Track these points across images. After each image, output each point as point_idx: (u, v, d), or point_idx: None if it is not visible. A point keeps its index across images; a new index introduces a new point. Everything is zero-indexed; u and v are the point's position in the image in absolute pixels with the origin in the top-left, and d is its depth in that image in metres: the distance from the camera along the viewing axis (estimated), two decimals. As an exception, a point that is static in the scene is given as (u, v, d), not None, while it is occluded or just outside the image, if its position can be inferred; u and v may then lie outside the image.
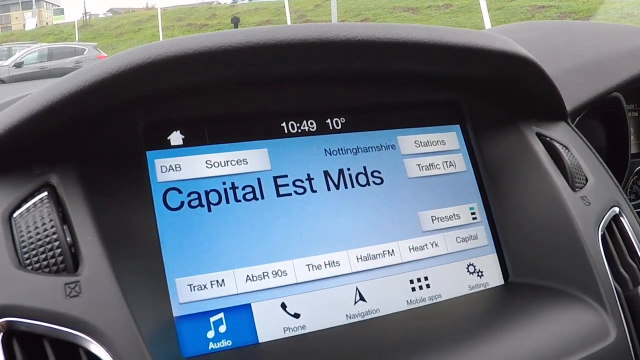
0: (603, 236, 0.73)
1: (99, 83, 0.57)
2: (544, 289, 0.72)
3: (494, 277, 0.77)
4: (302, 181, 0.71)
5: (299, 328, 0.66)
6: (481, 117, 0.83)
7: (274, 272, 0.66)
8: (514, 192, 0.78)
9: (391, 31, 0.66)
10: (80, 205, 0.58)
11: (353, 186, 0.73)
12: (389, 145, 0.77)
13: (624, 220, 0.77)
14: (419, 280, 0.73)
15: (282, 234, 0.68)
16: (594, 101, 0.97)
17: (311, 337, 0.66)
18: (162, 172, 0.66)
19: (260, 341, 0.64)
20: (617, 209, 0.77)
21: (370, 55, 0.68)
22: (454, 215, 0.77)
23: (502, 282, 0.77)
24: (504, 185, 0.79)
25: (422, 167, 0.78)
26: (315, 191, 0.71)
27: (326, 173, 0.72)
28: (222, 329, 0.63)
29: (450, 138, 0.81)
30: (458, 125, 0.83)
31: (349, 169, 0.74)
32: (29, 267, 0.53)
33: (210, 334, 0.63)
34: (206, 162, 0.68)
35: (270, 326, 0.65)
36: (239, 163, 0.69)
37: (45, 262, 0.54)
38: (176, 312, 0.62)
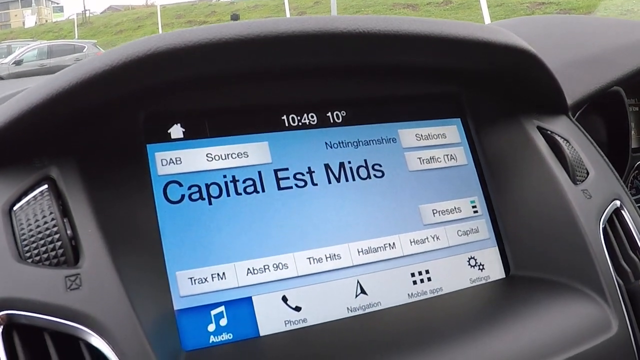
0: (604, 229, 0.73)
1: (99, 75, 0.57)
2: (545, 282, 0.72)
3: (495, 270, 0.77)
4: (303, 174, 0.71)
5: (300, 321, 0.66)
6: (482, 111, 0.83)
7: (275, 265, 0.66)
8: (515, 186, 0.78)
9: (392, 23, 0.65)
10: (81, 198, 0.58)
11: (354, 179, 0.73)
12: (389, 139, 0.77)
13: (625, 214, 0.77)
14: (420, 273, 0.72)
15: (283, 227, 0.68)
16: (595, 95, 0.97)
17: (312, 330, 0.66)
18: (162, 165, 0.66)
19: (261, 334, 0.64)
20: (618, 202, 0.77)
21: (371, 47, 0.68)
22: (455, 208, 0.77)
23: (504, 276, 0.77)
24: (505, 178, 0.79)
25: (423, 160, 0.78)
26: (316, 184, 0.71)
27: (327, 166, 0.72)
28: (223, 322, 0.63)
29: (451, 131, 0.81)
30: (459, 119, 0.83)
31: (349, 162, 0.73)
32: (29, 260, 0.53)
33: (211, 327, 0.63)
34: (207, 155, 0.68)
35: (271, 319, 0.65)
36: (240, 156, 0.69)
37: (45, 255, 0.54)
38: (177, 305, 0.62)
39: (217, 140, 0.69)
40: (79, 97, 0.58)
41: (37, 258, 0.53)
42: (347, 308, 0.68)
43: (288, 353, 0.62)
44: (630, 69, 1.03)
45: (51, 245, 0.54)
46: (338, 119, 0.75)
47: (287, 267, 0.67)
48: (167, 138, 0.67)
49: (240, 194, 0.68)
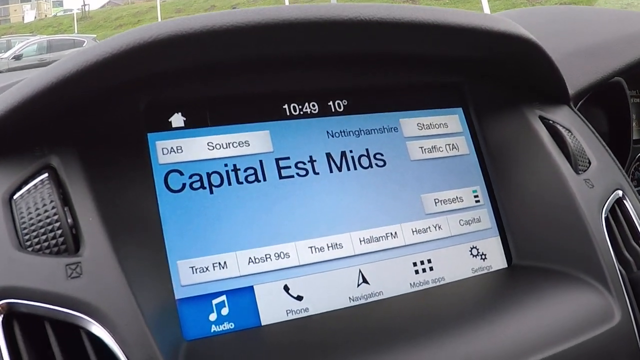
0: (607, 219, 0.73)
1: (100, 63, 0.56)
2: (547, 272, 0.72)
3: (497, 260, 0.76)
4: (304, 163, 0.71)
5: (302, 310, 0.66)
6: (484, 100, 0.82)
7: (277, 254, 0.66)
8: (517, 175, 0.78)
9: (394, 11, 0.65)
10: (81, 187, 0.57)
11: (355, 168, 0.73)
12: (391, 128, 0.77)
13: (627, 204, 0.76)
14: (422, 263, 0.72)
15: (285, 216, 0.68)
16: (596, 85, 0.96)
17: (314, 319, 0.65)
18: (163, 154, 0.66)
19: (263, 324, 0.64)
20: (620, 192, 0.77)
21: (372, 35, 0.67)
22: (457, 198, 0.77)
23: (506, 265, 0.77)
24: (507, 168, 0.79)
25: (424, 149, 0.77)
26: (318, 173, 0.71)
27: (328, 155, 0.72)
28: (225, 311, 0.63)
29: (452, 121, 0.81)
30: (460, 108, 0.82)
31: (351, 151, 0.73)
32: (30, 249, 0.53)
33: (213, 317, 0.63)
34: (208, 144, 0.68)
35: (273, 309, 0.65)
36: (241, 145, 0.69)
37: (46, 244, 0.53)
38: (178, 294, 0.62)
39: (218, 129, 0.69)
40: (79, 84, 0.57)
41: (38, 247, 0.53)
42: (349, 297, 0.68)
43: (290, 342, 0.62)
44: (631, 59, 1.03)
45: (52, 234, 0.53)
46: (339, 108, 0.75)
47: (289, 256, 0.67)
48: (168, 127, 0.67)
49: (242, 183, 0.67)
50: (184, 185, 0.65)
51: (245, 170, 0.68)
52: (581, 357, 0.62)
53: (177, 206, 0.64)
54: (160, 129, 0.67)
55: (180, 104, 0.68)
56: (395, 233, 0.72)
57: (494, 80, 0.82)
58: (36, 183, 0.56)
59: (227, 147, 0.68)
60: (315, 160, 0.71)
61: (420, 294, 0.71)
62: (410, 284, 0.71)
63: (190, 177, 0.66)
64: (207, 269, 0.63)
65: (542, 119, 0.80)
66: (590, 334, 0.63)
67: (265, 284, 0.65)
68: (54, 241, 0.53)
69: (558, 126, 0.79)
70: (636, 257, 0.72)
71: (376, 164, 0.74)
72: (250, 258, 0.65)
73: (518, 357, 0.59)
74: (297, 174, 0.70)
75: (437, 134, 0.79)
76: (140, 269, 0.58)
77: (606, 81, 0.99)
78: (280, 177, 0.69)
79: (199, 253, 0.64)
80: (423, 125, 0.79)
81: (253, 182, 0.68)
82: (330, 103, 0.75)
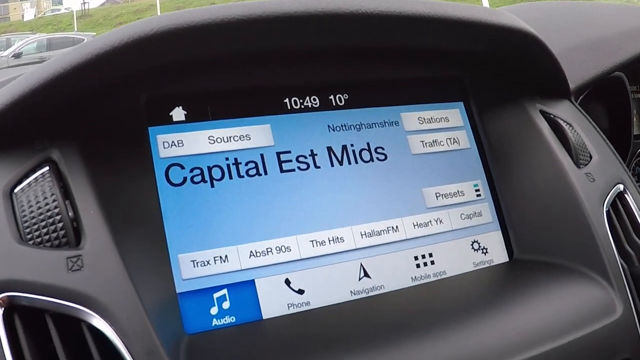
0: (608, 213, 0.73)
1: (100, 56, 0.56)
2: (549, 265, 0.72)
3: (498, 254, 0.76)
4: (305, 157, 0.71)
5: (303, 304, 0.66)
6: (485, 94, 0.82)
7: (278, 248, 0.66)
8: (518, 169, 0.78)
9: (395, 4, 0.65)
10: (82, 181, 0.57)
11: (357, 162, 0.73)
12: (392, 122, 0.76)
13: (628, 198, 0.76)
14: (423, 257, 0.72)
15: (286, 210, 0.68)
16: (597, 79, 0.96)
17: (315, 313, 0.65)
18: (164, 147, 0.66)
19: (264, 317, 0.64)
20: (621, 186, 0.76)
21: (373, 28, 0.67)
22: (458, 192, 0.77)
23: (507, 259, 0.77)
24: (508, 162, 0.79)
25: (425, 143, 0.77)
26: (319, 167, 0.71)
27: (329, 149, 0.72)
28: (226, 305, 0.63)
29: (453, 115, 0.81)
30: (461, 102, 0.82)
31: (352, 145, 0.73)
32: (31, 242, 0.53)
33: (214, 311, 0.63)
34: (209, 137, 0.68)
35: (274, 302, 0.65)
36: (242, 139, 0.69)
37: (47, 237, 0.53)
38: (179, 288, 0.62)
39: (219, 123, 0.69)
40: (79, 78, 0.57)
41: (39, 240, 0.53)
42: (351, 291, 0.68)
43: (291, 336, 0.62)
44: (632, 54, 1.03)
45: (52, 227, 0.53)
46: (340, 102, 0.75)
47: (290, 250, 0.67)
48: (168, 120, 0.67)
49: (243, 176, 0.67)
50: (185, 179, 0.65)
51: (246, 164, 0.68)
52: (583, 351, 0.62)
53: (178, 200, 0.64)
54: (161, 123, 0.66)
55: (181, 98, 0.68)
56: (397, 227, 0.72)
57: (495, 74, 0.82)
58: (37, 176, 0.56)
59: (228, 141, 0.68)
60: (316, 154, 0.71)
61: (421, 288, 0.70)
62: (412, 278, 0.71)
63: (191, 170, 0.66)
64: (208, 262, 0.63)
65: (543, 113, 0.80)
66: (591, 327, 0.63)
67: (267, 277, 0.65)
68: (54, 234, 0.53)
69: (559, 120, 0.79)
70: (637, 251, 0.72)
71: (377, 158, 0.74)
72: (251, 252, 0.65)
73: (520, 351, 0.59)
74: (298, 167, 0.70)
75: (438, 128, 0.79)
76: (141, 263, 0.58)
77: (607, 76, 0.99)
78: (281, 170, 0.69)
79: (200, 247, 0.64)
80: (424, 119, 0.79)
81: (254, 175, 0.68)
82: (331, 97, 0.75)
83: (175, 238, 0.63)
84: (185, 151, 0.66)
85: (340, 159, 0.72)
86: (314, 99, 0.74)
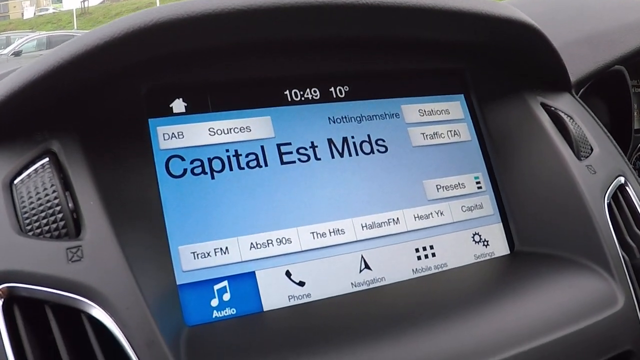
0: (609, 205, 0.72)
1: (100, 47, 0.56)
2: (550, 257, 0.72)
3: (499, 246, 0.76)
4: (306, 149, 0.70)
5: (304, 296, 0.65)
6: (485, 87, 0.82)
7: (278, 240, 0.66)
8: (519, 162, 0.77)
9: (395, -5, 0.65)
10: (82, 172, 0.57)
11: (357, 154, 0.72)
12: (393, 114, 0.76)
13: (629, 190, 0.76)
14: (424, 249, 0.72)
15: (286, 202, 0.68)
16: (598, 73, 0.96)
17: (316, 305, 0.65)
18: (164, 139, 0.65)
19: (264, 309, 0.64)
20: (622, 179, 0.76)
21: (374, 19, 0.67)
22: (459, 184, 0.77)
23: (508, 251, 0.76)
24: (509, 154, 0.79)
25: (426, 135, 0.77)
26: (320, 159, 0.71)
27: (330, 141, 0.72)
28: (226, 297, 0.63)
29: (454, 107, 0.81)
30: (462, 95, 0.82)
31: (353, 137, 0.73)
32: (30, 233, 0.53)
33: (214, 302, 0.62)
34: (209, 129, 0.67)
35: (274, 294, 0.65)
36: (242, 130, 0.69)
37: (46, 228, 0.53)
38: (180, 280, 0.62)
39: (219, 115, 0.68)
40: (79, 69, 0.57)
41: (38, 231, 0.53)
42: (351, 283, 0.68)
43: (292, 328, 0.62)
44: (632, 47, 1.02)
45: (52, 218, 0.53)
46: (341, 94, 0.75)
47: (291, 241, 0.66)
48: (169, 112, 0.67)
49: (243, 168, 0.67)
50: (185, 170, 0.65)
51: (246, 156, 0.68)
52: (584, 342, 0.62)
53: (179, 191, 0.64)
54: (161, 115, 0.66)
55: (182, 90, 0.68)
56: (398, 219, 0.72)
57: (496, 66, 0.82)
58: (37, 168, 0.56)
59: (228, 133, 0.68)
60: (316, 146, 0.71)
61: (422, 280, 0.70)
62: (413, 270, 0.71)
63: (192, 162, 0.66)
64: (208, 254, 0.63)
65: (543, 105, 0.80)
66: (593, 319, 0.63)
67: (267, 269, 0.65)
68: (54, 225, 0.53)
69: (560, 113, 0.79)
70: (639, 243, 0.72)
71: (378, 150, 0.74)
72: (251, 243, 0.65)
73: (521, 342, 0.59)
74: (299, 159, 0.70)
75: (439, 120, 0.79)
76: (141, 254, 0.58)
77: (607, 69, 0.99)
78: (282, 162, 0.69)
79: (201, 238, 0.64)
80: (424, 111, 0.78)
81: (254, 167, 0.68)
82: (332, 89, 0.74)
83: (176, 230, 0.63)
84: (185, 143, 0.66)
85: (340, 151, 0.72)
86: (315, 91, 0.73)
